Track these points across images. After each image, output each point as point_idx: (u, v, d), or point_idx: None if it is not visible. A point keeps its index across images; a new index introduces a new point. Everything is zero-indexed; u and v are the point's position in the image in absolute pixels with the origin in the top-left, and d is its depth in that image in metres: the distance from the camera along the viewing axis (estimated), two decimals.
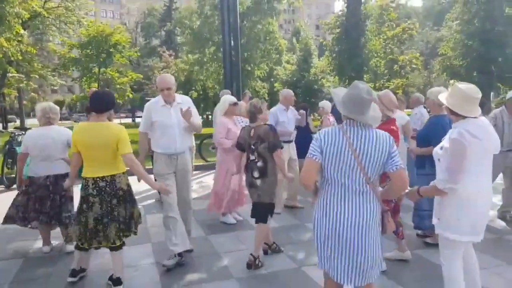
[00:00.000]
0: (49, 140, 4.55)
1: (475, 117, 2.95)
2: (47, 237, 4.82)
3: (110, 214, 3.64)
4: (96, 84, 27.75)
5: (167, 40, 52.30)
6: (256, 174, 4.33)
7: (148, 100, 4.78)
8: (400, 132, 4.69)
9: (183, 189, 4.54)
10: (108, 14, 72.58)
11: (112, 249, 3.68)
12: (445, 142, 3.00)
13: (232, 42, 11.23)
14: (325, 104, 7.79)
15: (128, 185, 3.83)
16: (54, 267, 4.35)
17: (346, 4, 26.36)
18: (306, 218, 5.92)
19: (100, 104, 3.72)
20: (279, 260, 4.44)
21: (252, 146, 4.36)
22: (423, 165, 4.50)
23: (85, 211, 3.63)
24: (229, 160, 5.49)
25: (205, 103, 34.50)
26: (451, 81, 29.46)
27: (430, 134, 4.46)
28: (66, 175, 4.44)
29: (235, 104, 5.65)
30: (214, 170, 5.84)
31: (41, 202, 4.55)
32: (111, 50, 28.36)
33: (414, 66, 30.98)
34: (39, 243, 4.92)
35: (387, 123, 3.83)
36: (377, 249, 2.57)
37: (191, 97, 32.56)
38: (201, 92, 33.09)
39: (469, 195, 2.89)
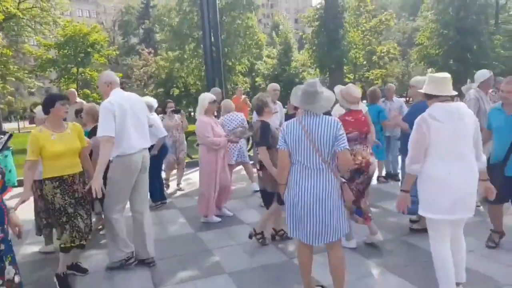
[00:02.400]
0: None
1: (447, 100, 3.08)
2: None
3: None
4: (74, 85, 27.19)
5: (145, 37, 51.82)
6: (257, 166, 4.64)
7: None
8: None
9: None
10: (84, 13, 71.30)
11: None
12: None
13: (212, 38, 11.20)
14: None
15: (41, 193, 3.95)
16: (42, 271, 4.33)
17: None
18: None
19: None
20: (269, 253, 4.50)
21: (255, 139, 4.66)
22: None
23: None
24: (213, 159, 5.49)
25: (187, 100, 34.36)
26: (429, 70, 29.94)
27: (409, 118, 4.62)
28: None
29: (214, 101, 5.63)
30: (199, 167, 5.79)
31: None
32: (89, 49, 27.82)
33: (392, 56, 31.33)
34: (25, 248, 4.90)
35: (346, 114, 4.26)
36: (332, 217, 3.01)
37: (172, 94, 32.19)
38: (182, 89, 32.92)
39: (440, 176, 3.01)
